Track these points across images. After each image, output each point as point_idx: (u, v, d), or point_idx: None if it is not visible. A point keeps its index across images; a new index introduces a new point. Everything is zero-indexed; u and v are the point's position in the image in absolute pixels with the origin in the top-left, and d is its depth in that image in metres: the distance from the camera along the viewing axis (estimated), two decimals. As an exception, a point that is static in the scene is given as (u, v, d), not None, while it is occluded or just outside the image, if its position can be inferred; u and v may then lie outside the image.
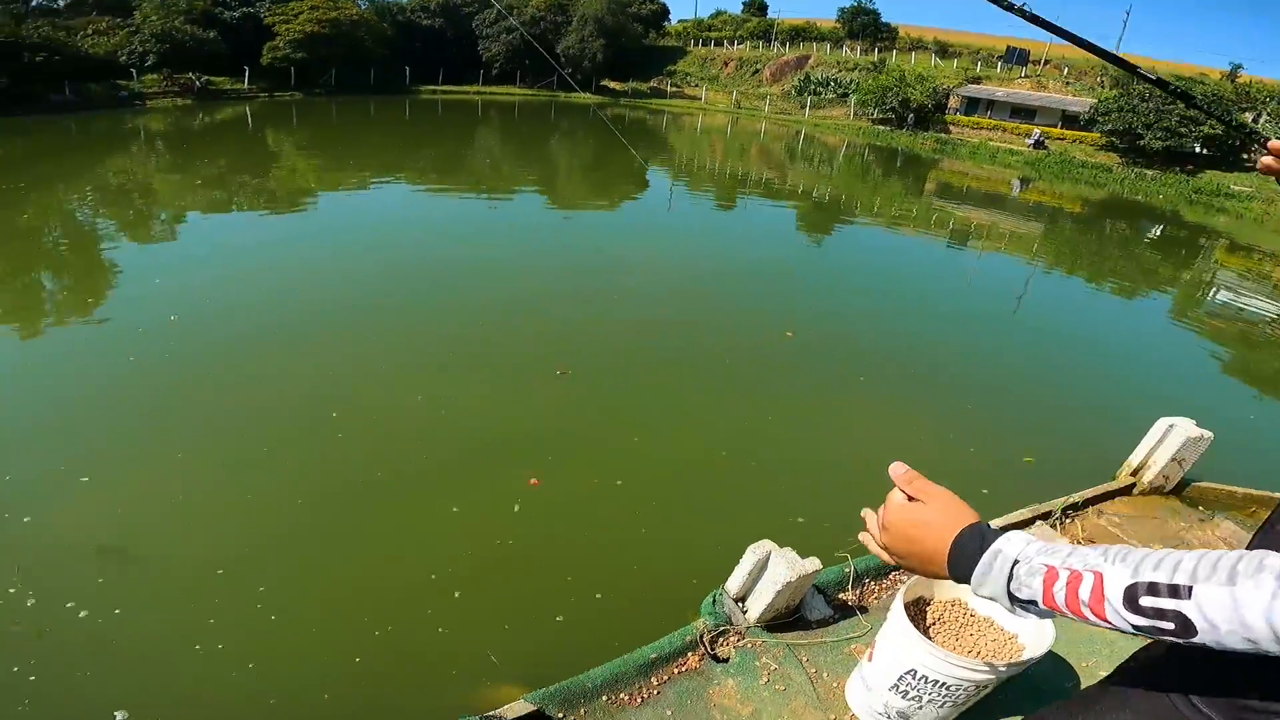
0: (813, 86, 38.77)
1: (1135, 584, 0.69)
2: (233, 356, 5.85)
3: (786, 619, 2.68)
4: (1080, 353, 8.01)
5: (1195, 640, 0.67)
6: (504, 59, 38.54)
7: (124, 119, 21.87)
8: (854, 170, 24.02)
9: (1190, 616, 0.66)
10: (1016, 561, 0.77)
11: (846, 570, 2.95)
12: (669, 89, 41.71)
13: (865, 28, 43.30)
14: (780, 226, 14.15)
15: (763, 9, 53.20)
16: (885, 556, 0.94)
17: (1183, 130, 26.13)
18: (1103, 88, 32.15)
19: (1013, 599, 0.77)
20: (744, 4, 54.30)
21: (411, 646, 3.03)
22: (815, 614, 2.73)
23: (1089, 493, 4.04)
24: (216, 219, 11.08)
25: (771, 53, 44.20)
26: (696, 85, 42.52)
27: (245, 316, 6.73)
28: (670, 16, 52.43)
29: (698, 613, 2.72)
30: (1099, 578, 0.71)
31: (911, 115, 33.24)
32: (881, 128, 33.44)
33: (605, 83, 40.03)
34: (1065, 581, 0.73)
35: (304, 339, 6.32)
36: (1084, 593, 0.72)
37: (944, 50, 40.77)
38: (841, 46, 42.66)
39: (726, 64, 44.91)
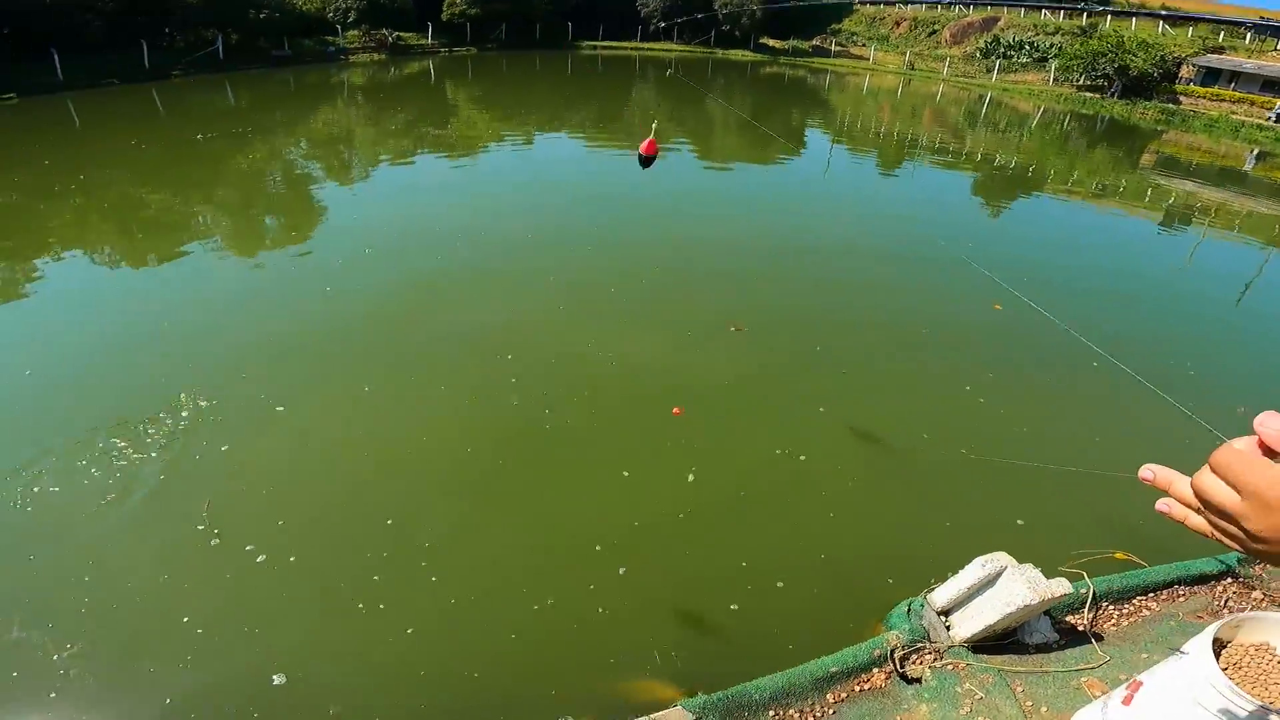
0: (1002, 49, 34.93)
1: None
2: (419, 292, 6.12)
3: (998, 640, 2.27)
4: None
5: None
6: (662, 15, 37.92)
7: (330, 73, 24.31)
8: (1051, 138, 20.97)
9: None
10: None
11: (1083, 590, 2.47)
12: (833, 48, 38.95)
13: None
14: (961, 193, 12.66)
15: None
16: (1233, 503, 0.53)
17: None
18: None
19: None
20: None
21: (569, 625, 2.85)
22: (1035, 637, 2.29)
23: None
24: (405, 165, 11.97)
25: (952, 14, 39.94)
26: (863, 45, 39.37)
27: (431, 255, 7.09)
28: (842, -31, 48.54)
29: (885, 621, 2.40)
30: None
31: (1120, 84, 28.88)
32: (1089, 95, 29.17)
33: (764, 40, 38.13)
34: None
35: (484, 280, 6.49)
36: None
37: (1174, 18, 35.14)
38: (1040, 10, 37.73)
39: (898, 24, 41.16)
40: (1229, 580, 2.67)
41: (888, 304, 6.34)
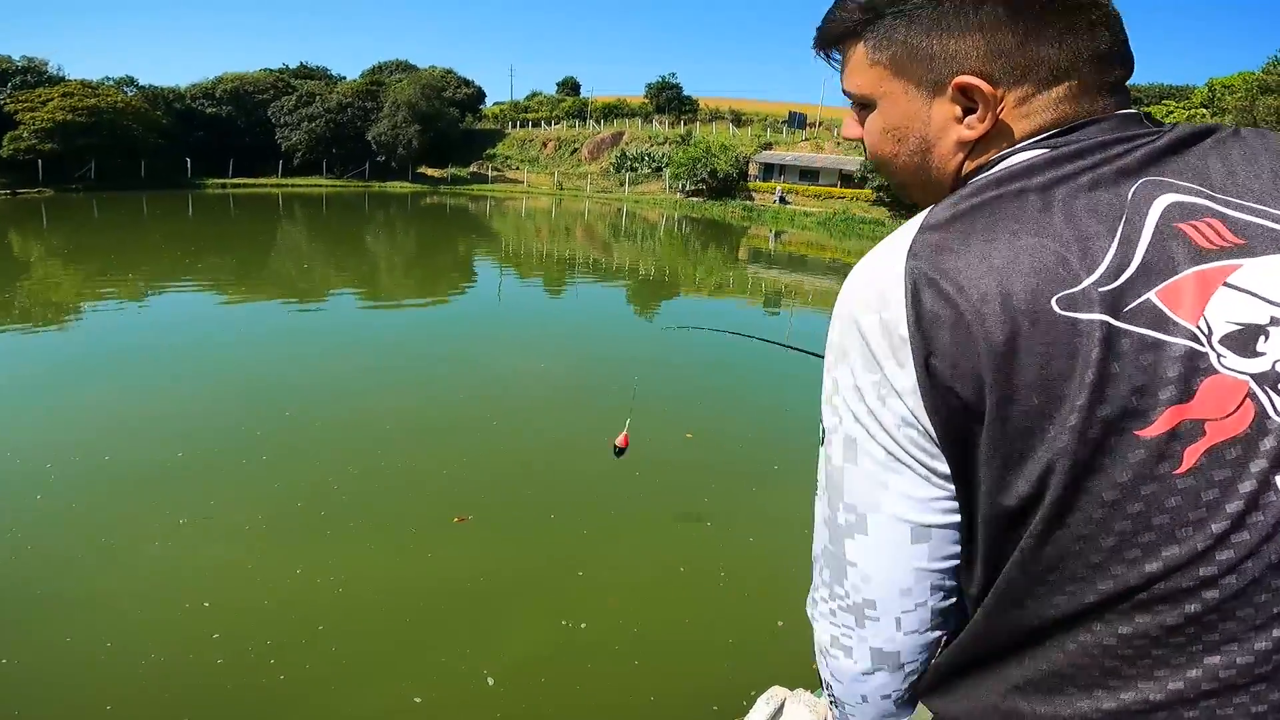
0: (629, 162, 40.41)
1: None
2: None
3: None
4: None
5: None
6: (307, 148, 36.37)
7: None
8: (675, 244, 25.60)
9: None
10: None
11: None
12: (490, 173, 41.81)
13: (670, 102, 46.14)
14: (620, 308, 14.36)
15: (576, 88, 56.05)
16: None
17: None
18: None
19: None
20: (558, 84, 56.97)
21: None
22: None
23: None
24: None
25: (588, 131, 46.09)
26: (517, 168, 43.04)
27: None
28: (486, 99, 53.41)
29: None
30: None
31: (718, 184, 35.36)
32: (695, 199, 35.79)
33: (422, 170, 39.21)
34: None
35: (100, 526, 4.77)
36: None
37: (738, 119, 44.25)
38: (651, 121, 45.15)
39: (545, 145, 46.17)
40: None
41: (596, 448, 6.52)
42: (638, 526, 5.23)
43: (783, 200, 34.10)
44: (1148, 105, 31.04)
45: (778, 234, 28.39)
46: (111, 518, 4.99)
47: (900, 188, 0.68)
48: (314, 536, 4.87)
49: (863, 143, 0.67)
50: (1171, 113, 27.29)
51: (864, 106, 0.65)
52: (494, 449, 6.49)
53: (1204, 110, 26.50)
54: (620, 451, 3.65)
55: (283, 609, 4.07)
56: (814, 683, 2.75)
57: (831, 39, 0.65)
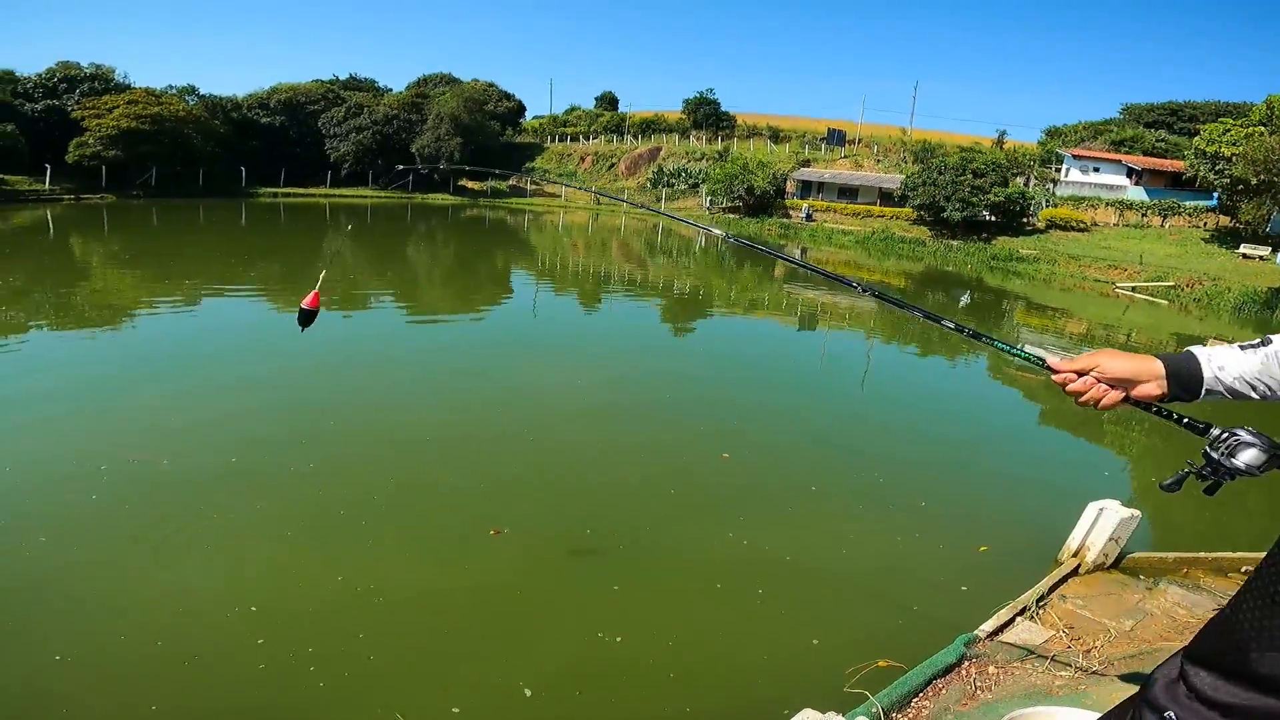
0: (666, 178, 40.48)
1: None
2: (31, 576, 4.27)
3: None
4: (956, 429, 8.51)
5: None
6: (354, 159, 37.54)
7: None
8: (711, 261, 25.60)
9: None
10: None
11: (874, 710, 2.61)
12: (529, 187, 42.41)
13: (708, 117, 46.38)
14: (655, 325, 14.35)
15: (614, 103, 56.65)
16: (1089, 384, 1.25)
17: (974, 200, 28.11)
18: (906, 163, 35.83)
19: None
20: (596, 99, 57.69)
21: None
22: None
23: (1048, 581, 4.18)
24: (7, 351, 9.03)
25: (625, 146, 46.56)
26: (555, 182, 43.56)
27: (44, 500, 5.12)
28: (526, 113, 54.44)
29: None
30: None
31: (755, 201, 35.30)
32: (731, 216, 35.53)
33: (463, 182, 40.07)
34: None
35: (151, 527, 4.89)
36: None
37: (776, 135, 44.14)
38: (689, 137, 45.36)
39: (583, 159, 46.74)
40: (967, 663, 3.08)
41: (632, 465, 6.64)
42: (673, 542, 5.21)
43: (809, 218, 33.99)
44: (1203, 123, 29.45)
45: (803, 251, 28.27)
46: (161, 519, 5.09)
47: None
48: (355, 545, 4.93)
49: None
50: (1229, 130, 25.49)
51: None
52: (530, 463, 6.50)
53: (1263, 128, 24.49)
54: (309, 315, 2.95)
55: (324, 616, 4.12)
56: (845, 705, 2.65)
57: None
